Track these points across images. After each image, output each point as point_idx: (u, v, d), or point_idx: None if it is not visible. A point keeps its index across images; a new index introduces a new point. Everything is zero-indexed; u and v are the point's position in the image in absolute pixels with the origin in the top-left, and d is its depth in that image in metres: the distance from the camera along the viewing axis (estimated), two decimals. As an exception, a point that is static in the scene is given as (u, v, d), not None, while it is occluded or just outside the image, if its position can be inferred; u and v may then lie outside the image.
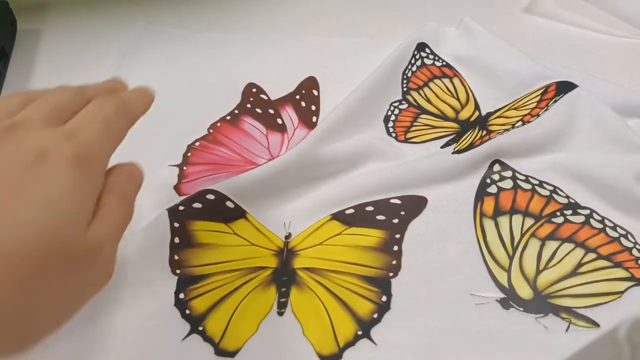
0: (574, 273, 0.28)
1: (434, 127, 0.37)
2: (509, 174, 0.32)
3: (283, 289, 0.28)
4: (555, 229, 0.29)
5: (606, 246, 0.29)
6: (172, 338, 0.26)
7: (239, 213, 0.31)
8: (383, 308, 0.27)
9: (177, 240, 0.29)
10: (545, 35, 0.43)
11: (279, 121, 0.38)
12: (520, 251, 0.29)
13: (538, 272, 0.28)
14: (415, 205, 0.31)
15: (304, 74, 0.41)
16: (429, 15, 0.45)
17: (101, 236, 0.19)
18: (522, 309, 0.27)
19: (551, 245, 0.29)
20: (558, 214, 0.30)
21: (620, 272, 0.27)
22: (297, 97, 0.39)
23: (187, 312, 0.27)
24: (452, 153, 0.33)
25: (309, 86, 0.40)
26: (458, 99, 0.38)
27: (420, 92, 0.39)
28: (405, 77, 0.39)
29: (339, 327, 0.27)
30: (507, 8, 0.46)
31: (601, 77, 0.36)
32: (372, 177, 0.32)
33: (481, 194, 0.31)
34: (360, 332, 0.26)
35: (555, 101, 0.34)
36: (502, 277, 0.28)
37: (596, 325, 0.26)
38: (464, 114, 0.37)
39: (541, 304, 0.27)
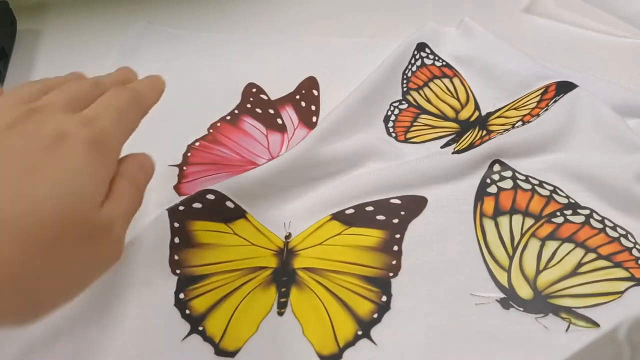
0: (574, 273, 0.28)
1: (434, 127, 0.37)
2: (509, 174, 0.32)
3: (283, 289, 0.28)
4: (555, 229, 0.29)
5: (606, 246, 0.28)
6: (172, 338, 0.26)
7: (239, 213, 0.31)
8: (383, 308, 0.27)
9: (177, 240, 0.29)
10: (545, 35, 0.43)
11: (279, 121, 0.38)
12: (520, 251, 0.29)
13: (538, 272, 0.28)
14: (415, 205, 0.31)
15: (304, 74, 0.41)
16: (429, 15, 0.45)
17: (113, 215, 0.20)
18: (522, 309, 0.27)
19: (551, 245, 0.29)
20: (558, 214, 0.30)
21: (620, 272, 0.27)
22: (297, 97, 0.39)
23: (187, 312, 0.27)
24: (452, 153, 0.33)
25: (309, 86, 0.40)
26: (458, 99, 0.38)
27: (420, 92, 0.39)
28: (405, 77, 0.39)
29: (339, 327, 0.27)
30: (507, 8, 0.46)
31: (601, 77, 0.36)
32: (372, 177, 0.32)
33: (481, 194, 0.31)
34: (360, 332, 0.26)
35: (555, 101, 0.34)
36: (502, 277, 0.28)
37: (596, 325, 0.26)
38: (464, 114, 0.37)
39: (541, 304, 0.27)
